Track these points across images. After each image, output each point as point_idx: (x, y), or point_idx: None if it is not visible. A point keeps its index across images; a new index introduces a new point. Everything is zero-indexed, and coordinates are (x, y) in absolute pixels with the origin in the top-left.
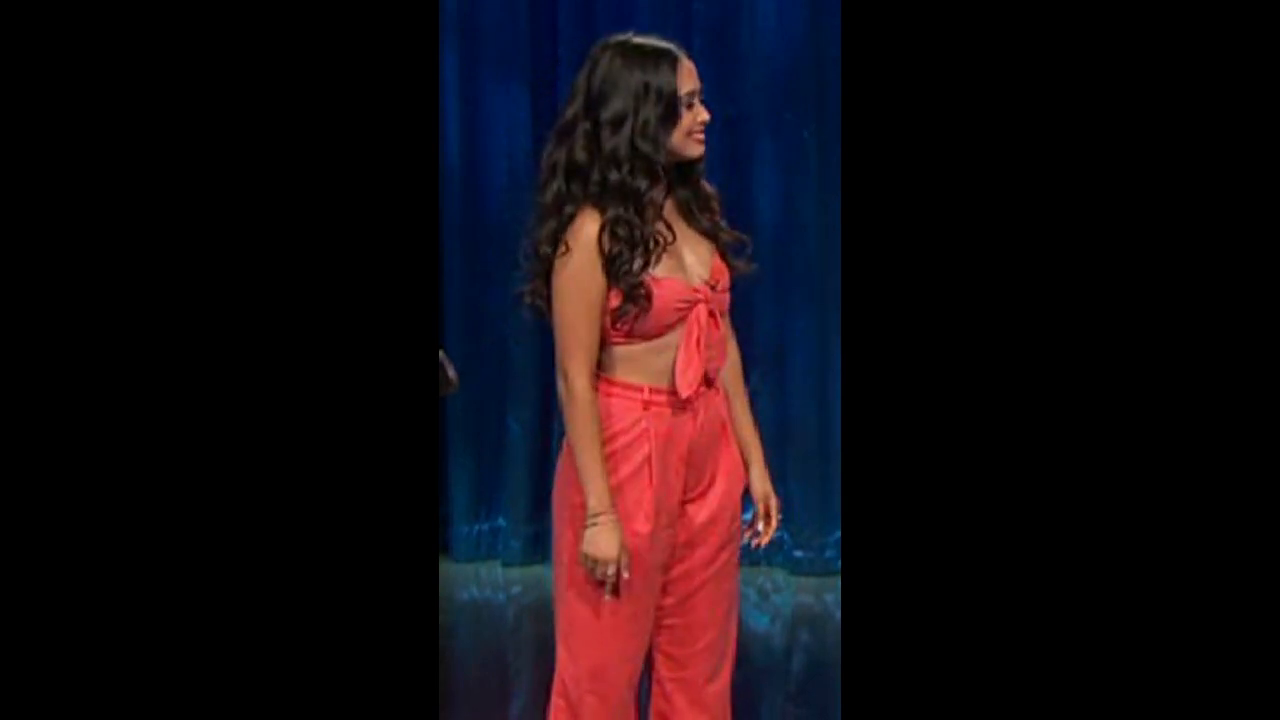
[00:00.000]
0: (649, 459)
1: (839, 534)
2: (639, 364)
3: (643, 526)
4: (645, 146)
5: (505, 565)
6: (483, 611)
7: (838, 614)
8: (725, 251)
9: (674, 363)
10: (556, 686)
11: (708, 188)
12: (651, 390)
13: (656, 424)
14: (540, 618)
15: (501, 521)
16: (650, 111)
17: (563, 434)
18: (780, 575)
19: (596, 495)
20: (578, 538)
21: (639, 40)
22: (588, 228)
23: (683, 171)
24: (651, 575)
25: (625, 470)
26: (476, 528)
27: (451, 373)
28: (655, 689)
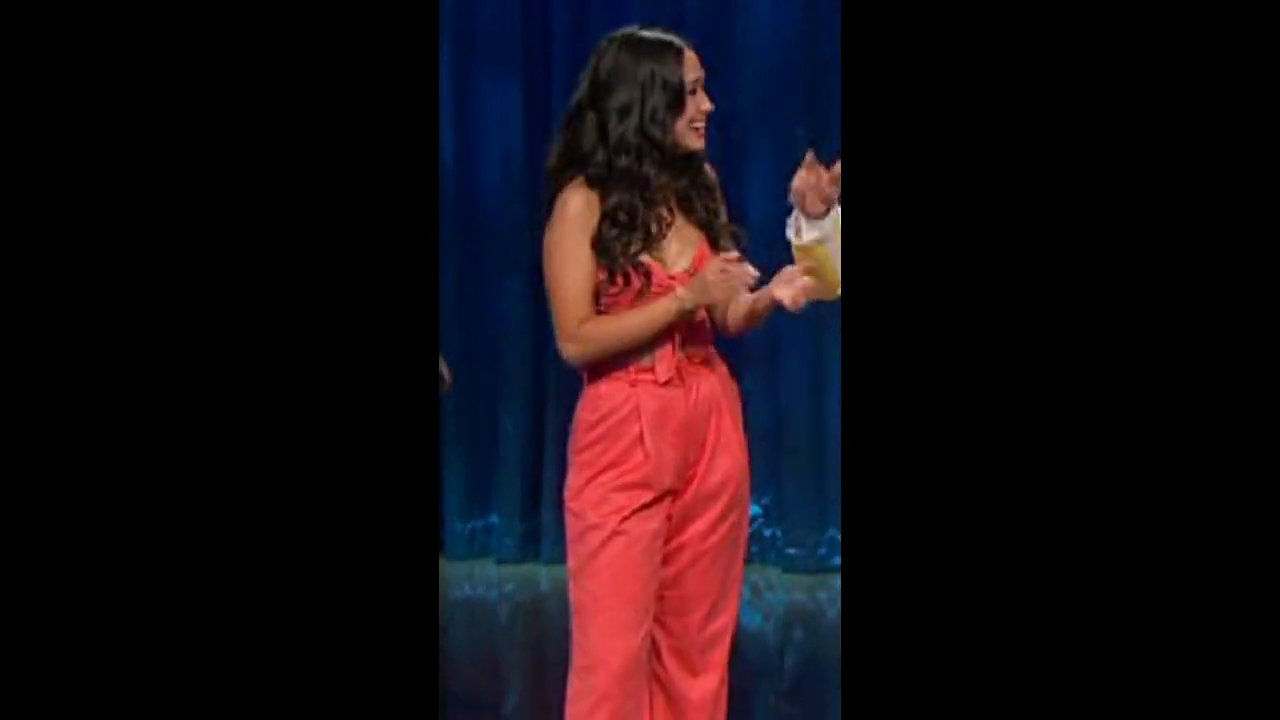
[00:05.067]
0: (642, 434)
1: (832, 532)
2: None
3: (642, 498)
4: (655, 131)
5: (499, 563)
6: (476, 609)
7: (831, 612)
8: (716, 240)
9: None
10: (575, 667)
11: (710, 175)
12: (637, 369)
13: (646, 400)
14: (534, 615)
15: (494, 519)
16: (658, 99)
17: (556, 432)
18: (773, 573)
19: (674, 305)
20: (588, 529)
21: (645, 33)
22: (574, 198)
23: (682, 162)
24: (653, 547)
25: (620, 446)
26: (470, 525)
27: (446, 371)
28: (652, 658)
